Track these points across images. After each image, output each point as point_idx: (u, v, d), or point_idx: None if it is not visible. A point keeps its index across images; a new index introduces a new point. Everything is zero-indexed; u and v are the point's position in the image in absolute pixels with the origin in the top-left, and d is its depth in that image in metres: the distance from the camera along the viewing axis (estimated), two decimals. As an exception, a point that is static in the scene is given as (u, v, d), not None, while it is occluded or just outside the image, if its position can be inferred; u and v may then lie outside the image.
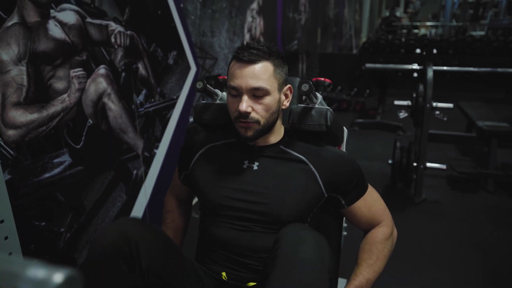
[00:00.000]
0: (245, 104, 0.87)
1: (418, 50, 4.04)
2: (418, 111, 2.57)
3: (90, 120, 1.54)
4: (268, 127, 0.94)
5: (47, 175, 1.37)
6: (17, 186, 1.26)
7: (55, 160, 1.40)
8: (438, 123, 2.97)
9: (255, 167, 0.95)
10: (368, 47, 5.36)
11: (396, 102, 2.65)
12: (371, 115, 4.71)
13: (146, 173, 1.97)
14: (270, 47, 0.92)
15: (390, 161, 2.65)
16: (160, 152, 2.08)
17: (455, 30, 9.95)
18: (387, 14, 12.53)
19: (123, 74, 1.72)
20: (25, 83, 1.26)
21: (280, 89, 0.93)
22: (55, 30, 1.35)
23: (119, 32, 1.68)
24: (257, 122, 0.90)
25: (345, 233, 1.72)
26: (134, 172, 1.88)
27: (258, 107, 0.89)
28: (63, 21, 1.38)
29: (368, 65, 3.18)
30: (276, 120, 0.96)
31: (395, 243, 1.03)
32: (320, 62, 5.83)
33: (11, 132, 1.23)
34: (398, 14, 13.72)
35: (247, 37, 3.18)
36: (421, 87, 2.54)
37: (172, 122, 2.17)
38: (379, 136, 4.11)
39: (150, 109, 1.95)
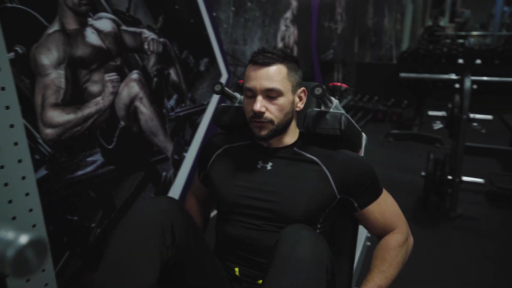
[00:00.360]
0: (259, 104, 0.90)
1: (460, 61, 3.90)
2: (454, 122, 2.48)
3: (122, 122, 1.62)
4: (282, 128, 0.96)
5: (80, 172, 1.46)
6: (52, 181, 1.35)
7: (88, 159, 1.49)
8: (476, 135, 2.85)
9: (269, 167, 0.98)
10: (407, 57, 5.23)
11: (431, 113, 2.57)
12: (407, 126, 4.58)
13: (175, 175, 2.03)
14: (285, 51, 0.95)
15: (423, 173, 2.57)
16: (190, 156, 2.14)
17: (504, 40, 9.48)
18: (430, 23, 12.18)
19: (155, 79, 1.80)
20: (63, 85, 1.35)
21: (293, 91, 0.96)
22: (92, 37, 1.45)
23: (152, 39, 1.76)
24: (271, 121, 0.93)
25: (368, 243, 1.69)
26: (164, 174, 1.95)
27: (272, 108, 0.92)
28: (99, 29, 1.48)
29: (403, 74, 3.10)
30: (290, 121, 0.98)
31: (411, 251, 1.01)
32: (357, 72, 5.75)
33: (48, 131, 1.32)
34: (442, 23, 13.28)
35: (280, 45, 3.21)
36: (457, 97, 2.45)
37: (202, 127, 2.23)
38: (414, 148, 3.99)
39: (181, 114, 2.02)
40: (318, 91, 0.89)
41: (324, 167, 0.96)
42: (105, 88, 1.52)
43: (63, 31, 1.34)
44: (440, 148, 3.84)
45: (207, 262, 0.92)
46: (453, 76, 2.85)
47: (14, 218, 0.90)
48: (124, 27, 1.59)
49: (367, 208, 0.98)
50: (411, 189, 2.86)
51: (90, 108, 1.47)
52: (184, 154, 2.10)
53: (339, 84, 1.04)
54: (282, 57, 0.94)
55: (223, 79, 2.40)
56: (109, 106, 1.55)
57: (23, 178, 0.88)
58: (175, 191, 2.04)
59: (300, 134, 1.03)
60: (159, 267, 0.79)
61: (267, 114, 0.93)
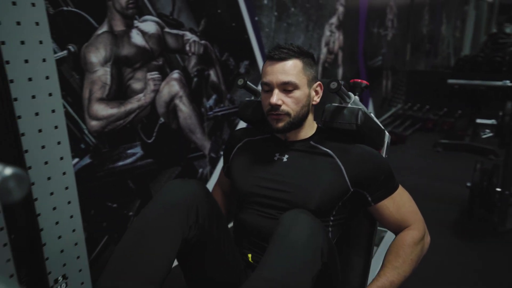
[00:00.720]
0: (276, 97, 0.94)
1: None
2: (505, 131, 2.34)
3: (162, 119, 1.73)
4: (298, 120, 0.99)
5: (121, 163, 1.57)
6: (95, 169, 1.47)
7: (129, 151, 1.60)
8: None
9: (285, 159, 1.01)
10: (463, 65, 4.98)
11: (479, 121, 2.45)
12: (459, 136, 4.35)
13: (211, 172, 2.11)
14: (300, 47, 0.98)
15: (468, 184, 2.44)
16: (226, 155, 2.21)
17: None
18: (495, 30, 11.45)
19: (195, 79, 1.89)
20: (109, 82, 1.48)
21: (309, 85, 0.99)
22: (137, 38, 1.57)
23: (194, 41, 1.86)
24: (288, 114, 0.96)
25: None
26: (200, 170, 2.03)
27: (288, 100, 0.96)
28: (144, 30, 1.59)
29: (451, 80, 2.97)
30: (307, 114, 1.00)
31: (427, 250, 0.99)
32: (408, 79, 5.57)
33: (94, 123, 1.45)
34: (508, 30, 12.45)
35: (324, 50, 3.22)
36: (509, 104, 2.32)
37: (240, 127, 2.29)
38: (465, 159, 3.78)
39: (219, 114, 2.10)
40: (333, 85, 0.91)
41: (338, 160, 0.98)
42: (147, 85, 1.63)
43: (111, 32, 1.46)
44: (490, 159, 3.61)
45: (227, 247, 0.96)
46: (509, 83, 2.69)
47: (51, 193, 1.01)
48: (167, 29, 1.70)
49: (381, 203, 0.98)
50: (455, 200, 2.72)
51: (132, 104, 1.58)
52: (221, 152, 2.17)
53: (359, 80, 1.05)
54: (297, 52, 0.97)
55: (263, 82, 2.45)
56: (150, 103, 1.66)
57: (61, 158, 0.99)
58: (210, 188, 2.11)
59: (318, 128, 1.05)
60: (179, 243, 0.83)
61: (283, 107, 0.96)
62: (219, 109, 2.10)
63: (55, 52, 1.27)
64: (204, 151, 2.03)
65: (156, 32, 1.65)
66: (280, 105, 0.96)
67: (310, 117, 1.04)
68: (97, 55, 1.42)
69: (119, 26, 1.49)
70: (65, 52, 1.32)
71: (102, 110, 1.47)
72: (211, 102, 2.03)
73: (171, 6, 1.71)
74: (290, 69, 0.95)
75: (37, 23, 0.95)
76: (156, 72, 1.67)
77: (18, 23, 0.90)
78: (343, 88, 0.96)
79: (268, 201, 0.98)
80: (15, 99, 0.90)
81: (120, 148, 1.56)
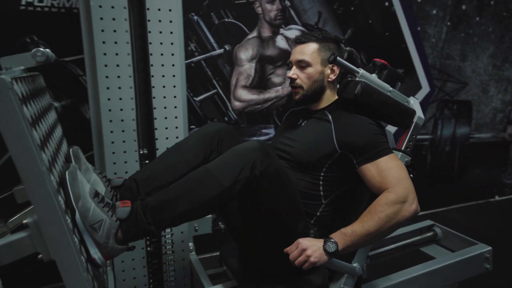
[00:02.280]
0: (291, 72, 1.15)
1: None
2: None
3: (296, 110, 2.08)
4: (312, 93, 1.15)
5: (255, 138, 2.02)
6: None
7: (263, 130, 2.03)
8: None
9: (303, 124, 1.19)
10: None
11: None
12: None
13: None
14: (325, 34, 1.15)
15: None
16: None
17: None
18: None
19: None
20: (252, 74, 1.95)
21: (323, 63, 1.13)
22: (281, 42, 1.99)
23: (338, 47, 2.12)
24: (301, 87, 1.15)
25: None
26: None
27: (302, 75, 1.14)
28: (288, 36, 2.00)
29: None
30: (321, 88, 1.15)
31: (406, 218, 0.96)
32: None
33: (236, 104, 1.95)
34: None
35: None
36: None
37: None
38: None
39: (360, 115, 2.26)
40: (331, 58, 1.05)
41: (332, 126, 1.09)
42: (286, 81, 2.03)
43: (259, 37, 1.94)
44: None
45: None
46: None
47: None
48: (310, 36, 2.05)
49: (364, 166, 1.03)
50: None
51: (270, 94, 2.01)
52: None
53: (378, 60, 1.14)
54: (317, 37, 1.14)
55: (423, 92, 2.41)
56: (287, 95, 2.04)
57: (176, 127, 1.45)
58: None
59: (336, 100, 1.17)
60: (201, 158, 1.13)
61: (298, 81, 1.15)
62: (360, 110, 2.25)
63: (214, 50, 1.85)
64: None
65: (299, 38, 2.02)
66: (295, 79, 1.16)
67: (328, 91, 1.17)
68: (245, 54, 1.93)
69: (266, 32, 1.95)
70: (221, 50, 1.88)
71: (245, 95, 1.96)
72: (351, 103, 2.22)
73: (316, 17, 2.05)
74: (306, 50, 1.15)
75: (171, 32, 1.44)
76: (295, 71, 2.03)
77: (160, 32, 1.42)
78: (347, 63, 1.07)
79: (280, 153, 1.19)
80: (153, 87, 1.42)
81: (256, 126, 2.01)
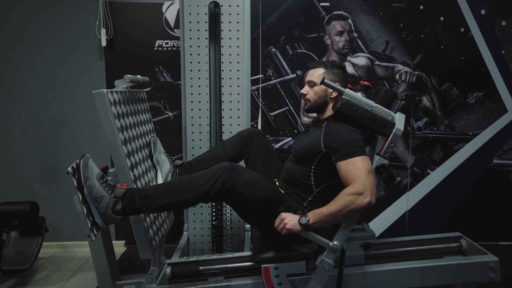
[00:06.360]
0: (304, 89, 1.49)
1: None
2: None
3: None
4: (317, 105, 1.46)
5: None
6: (302, 148, 2.35)
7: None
8: None
9: (311, 129, 1.51)
10: None
11: None
12: None
13: (412, 184, 2.39)
14: (332, 62, 1.46)
15: None
16: (436, 175, 2.38)
17: None
18: None
19: (402, 102, 2.32)
20: (320, 95, 2.31)
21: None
22: (347, 68, 2.29)
23: (405, 72, 2.30)
24: (309, 100, 1.47)
25: None
26: (398, 178, 2.39)
27: (311, 92, 1.47)
28: (355, 63, 2.29)
29: None
30: (325, 103, 1.45)
31: (360, 207, 1.19)
32: None
33: (305, 119, 2.34)
34: None
35: None
36: None
37: (461, 155, 2.36)
38: None
39: (430, 136, 2.35)
40: (322, 80, 1.35)
41: (323, 131, 1.37)
42: (351, 101, 2.31)
43: (327, 64, 2.29)
44: None
45: (264, 165, 1.62)
46: None
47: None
48: (377, 62, 2.29)
49: (338, 164, 1.28)
50: None
51: (336, 112, 2.32)
52: (429, 171, 2.38)
53: (362, 82, 1.43)
54: (325, 64, 1.45)
55: (508, 117, 2.34)
56: (352, 113, 2.32)
57: (238, 125, 1.95)
58: (409, 198, 2.40)
59: (336, 112, 1.44)
60: (237, 151, 1.60)
61: (307, 96, 1.47)
62: (430, 131, 2.35)
63: (288, 75, 2.29)
64: (405, 163, 2.38)
65: (365, 64, 2.30)
66: (306, 94, 1.49)
67: (330, 105, 1.46)
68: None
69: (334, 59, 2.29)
70: (294, 75, 2.31)
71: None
72: (420, 123, 2.35)
73: (383, 45, 2.29)
74: (315, 73, 1.47)
75: (237, 62, 1.95)
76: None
77: (230, 62, 1.93)
78: (333, 84, 1.35)
79: (292, 150, 1.53)
80: (223, 101, 1.95)
81: (322, 139, 2.35)
